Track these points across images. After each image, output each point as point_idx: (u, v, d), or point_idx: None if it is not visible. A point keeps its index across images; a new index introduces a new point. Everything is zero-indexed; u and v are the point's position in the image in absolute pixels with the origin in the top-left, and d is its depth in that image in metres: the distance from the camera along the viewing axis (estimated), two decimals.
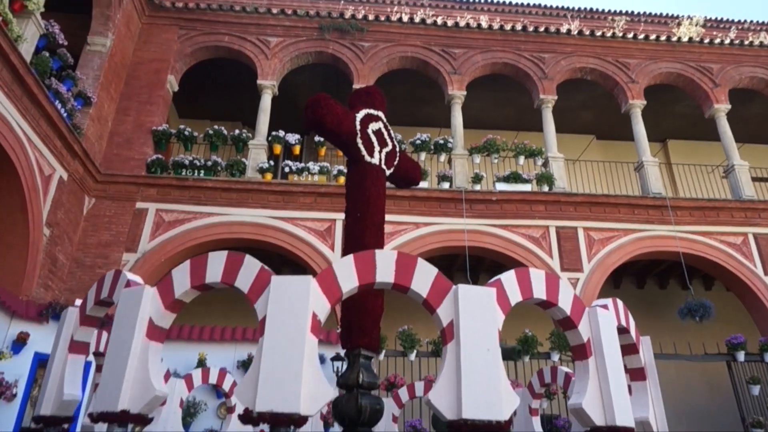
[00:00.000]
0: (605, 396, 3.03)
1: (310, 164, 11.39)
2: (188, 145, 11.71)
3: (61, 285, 9.92)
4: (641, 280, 14.89)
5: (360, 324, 4.07)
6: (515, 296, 2.95)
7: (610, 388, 3.01)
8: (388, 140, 5.69)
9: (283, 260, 11.99)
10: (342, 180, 11.41)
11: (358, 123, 5.27)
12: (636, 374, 3.99)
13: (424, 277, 2.80)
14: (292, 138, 11.70)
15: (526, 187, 11.48)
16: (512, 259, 10.98)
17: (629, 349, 3.93)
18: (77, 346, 3.43)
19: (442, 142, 11.84)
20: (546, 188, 11.58)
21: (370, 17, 12.75)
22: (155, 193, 10.87)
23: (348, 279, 2.79)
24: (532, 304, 3.18)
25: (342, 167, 11.58)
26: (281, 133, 11.71)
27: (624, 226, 11.41)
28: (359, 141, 5.24)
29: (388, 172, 5.61)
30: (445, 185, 11.42)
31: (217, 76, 13.55)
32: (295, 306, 2.57)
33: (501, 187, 11.42)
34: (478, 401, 2.50)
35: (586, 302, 10.83)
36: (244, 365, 9.62)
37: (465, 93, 12.49)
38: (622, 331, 3.78)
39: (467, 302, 2.71)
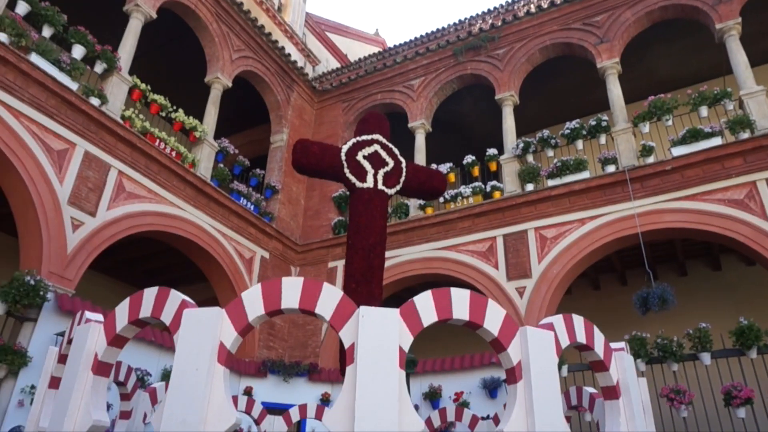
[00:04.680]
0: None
1: (462, 188, 11.38)
2: None
3: (283, 344, 11.89)
4: None
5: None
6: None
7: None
8: (389, 159, 5.83)
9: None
10: (497, 194, 11.08)
11: (343, 154, 5.57)
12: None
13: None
14: (444, 168, 11.91)
15: (713, 142, 9.26)
16: (708, 233, 8.92)
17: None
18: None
19: (594, 122, 10.51)
20: (745, 135, 9.14)
21: (498, 23, 12.33)
22: (341, 251, 12.26)
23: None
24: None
25: (496, 182, 11.26)
26: (433, 166, 12.03)
27: None
28: (347, 171, 5.54)
29: (392, 191, 5.72)
30: (610, 168, 10.03)
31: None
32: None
33: (678, 151, 9.46)
34: (178, 420, 2.58)
35: None
36: (428, 396, 9.92)
37: (617, 60, 10.89)
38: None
39: (189, 324, 2.81)
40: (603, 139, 10.59)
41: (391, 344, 2.70)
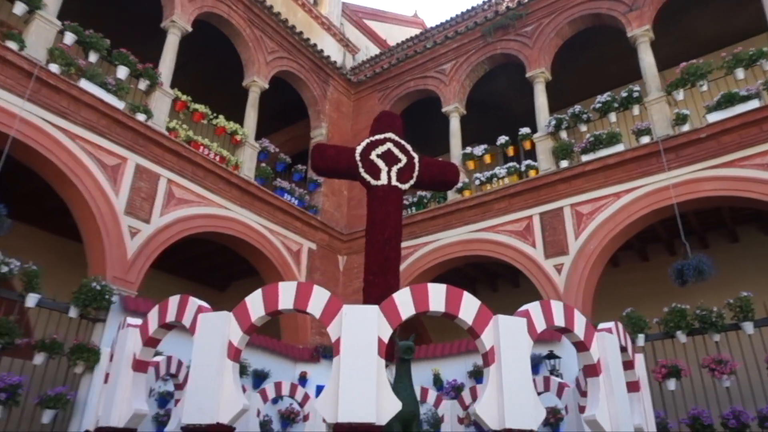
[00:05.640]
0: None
1: (497, 169, 11.49)
2: None
3: None
4: None
5: None
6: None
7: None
8: (402, 156, 6.22)
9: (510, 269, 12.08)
10: (533, 173, 11.14)
11: (358, 155, 6.01)
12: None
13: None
14: (479, 150, 12.04)
15: (750, 105, 8.95)
16: (748, 199, 8.71)
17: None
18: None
19: (626, 94, 10.35)
20: None
21: (525, 0, 12.24)
22: None
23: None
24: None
25: (531, 161, 11.29)
26: (468, 149, 12.18)
27: None
28: (362, 170, 5.98)
29: (406, 186, 6.11)
30: (645, 139, 9.88)
31: (421, 121, 14.71)
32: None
33: (713, 117, 9.22)
34: (196, 408, 3.06)
35: None
36: (473, 375, 10.22)
37: (648, 27, 10.64)
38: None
39: (203, 326, 3.28)
40: (636, 110, 10.42)
41: (370, 337, 3.07)
